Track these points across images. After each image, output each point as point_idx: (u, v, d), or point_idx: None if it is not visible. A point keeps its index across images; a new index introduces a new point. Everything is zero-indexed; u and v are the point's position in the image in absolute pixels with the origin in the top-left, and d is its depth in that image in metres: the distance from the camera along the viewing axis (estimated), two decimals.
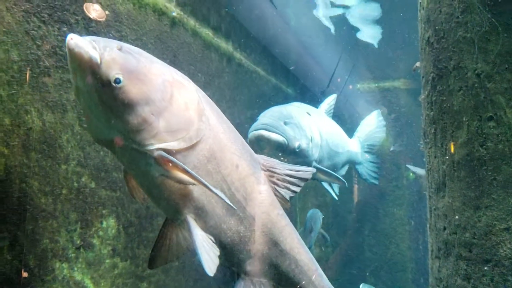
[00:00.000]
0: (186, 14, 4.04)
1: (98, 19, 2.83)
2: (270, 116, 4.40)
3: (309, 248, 2.94)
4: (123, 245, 2.91)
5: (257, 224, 2.44)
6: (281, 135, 4.18)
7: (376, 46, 7.87)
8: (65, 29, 2.49)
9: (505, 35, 2.42)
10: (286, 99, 6.52)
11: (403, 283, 7.43)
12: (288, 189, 2.56)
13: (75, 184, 2.55)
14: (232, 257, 2.44)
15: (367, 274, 7.68)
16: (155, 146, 2.02)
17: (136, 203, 3.02)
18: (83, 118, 2.12)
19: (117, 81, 1.93)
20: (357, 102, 9.00)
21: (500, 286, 2.42)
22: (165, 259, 2.40)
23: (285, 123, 4.37)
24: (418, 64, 3.06)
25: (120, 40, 2.91)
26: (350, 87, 8.78)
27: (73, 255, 2.53)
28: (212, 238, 2.26)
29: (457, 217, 2.60)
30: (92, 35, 2.67)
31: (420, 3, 2.89)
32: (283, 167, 2.56)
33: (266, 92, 6.43)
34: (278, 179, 2.54)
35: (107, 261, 2.78)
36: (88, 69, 1.91)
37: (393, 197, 7.92)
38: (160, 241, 2.37)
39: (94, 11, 2.80)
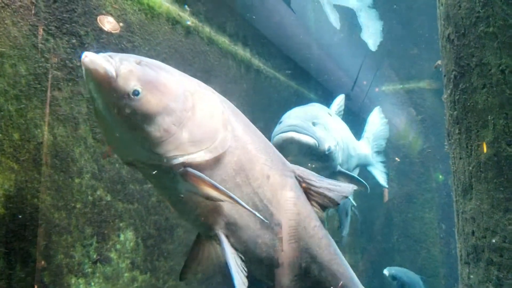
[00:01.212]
0: (201, 22, 4.02)
1: (113, 32, 2.82)
2: (296, 116, 4.10)
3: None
4: (142, 258, 2.87)
5: (293, 237, 2.36)
6: (312, 136, 3.85)
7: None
8: (74, 41, 2.48)
9: None
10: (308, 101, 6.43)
11: None
12: (325, 205, 2.47)
13: (90, 197, 2.53)
14: (268, 272, 2.37)
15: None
16: (180, 158, 1.97)
17: (155, 215, 2.99)
18: (110, 142, 2.11)
19: (136, 93, 1.90)
20: (382, 105, 8.85)
21: None
22: (195, 272, 2.37)
23: (314, 124, 4.05)
24: (439, 62, 2.95)
25: (132, 50, 2.90)
26: (376, 89, 8.66)
27: (89, 270, 2.50)
28: (242, 256, 2.19)
29: (485, 220, 2.48)
30: (103, 46, 2.66)
31: None
32: (320, 180, 2.46)
33: (287, 97, 6.37)
34: (315, 192, 2.45)
35: (126, 274, 2.74)
36: (105, 84, 1.88)
37: (422, 201, 7.73)
38: (192, 255, 2.34)
39: (108, 24, 2.80)
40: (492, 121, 2.44)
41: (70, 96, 2.46)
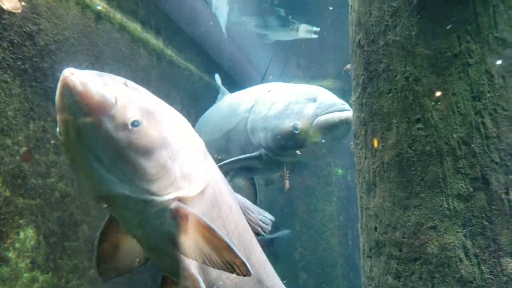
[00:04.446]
0: (113, 8, 3.88)
1: (13, 10, 2.63)
2: (332, 95, 3.95)
3: None
4: (44, 257, 2.73)
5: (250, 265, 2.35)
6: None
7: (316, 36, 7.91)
8: None
9: (431, 39, 2.49)
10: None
11: (333, 278, 7.60)
12: (258, 232, 2.48)
13: None
14: None
15: (299, 269, 7.78)
16: (172, 195, 1.81)
17: (58, 211, 2.84)
18: (86, 175, 1.80)
19: (135, 123, 1.69)
20: None
21: (428, 283, 2.49)
22: None
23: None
24: (348, 66, 3.10)
25: (38, 34, 2.73)
26: None
27: None
28: None
29: (387, 216, 2.66)
30: (5, 28, 2.47)
31: (351, 5, 2.92)
32: (256, 210, 2.46)
33: (198, 89, 6.34)
34: (251, 219, 2.45)
35: (25, 275, 2.59)
36: (99, 112, 1.61)
37: (323, 194, 8.07)
38: None
39: (8, 2, 2.60)
40: (396, 124, 2.61)
41: None
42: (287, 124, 4.02)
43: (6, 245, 2.45)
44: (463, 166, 2.44)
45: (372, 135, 2.76)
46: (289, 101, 4.16)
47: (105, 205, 1.95)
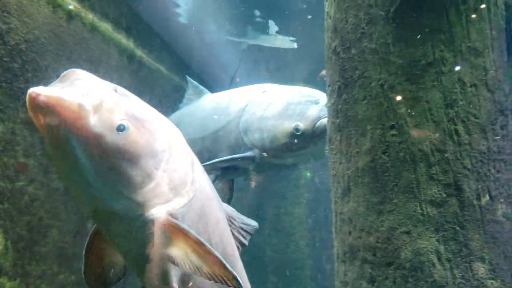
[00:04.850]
0: (84, 8, 3.80)
1: None
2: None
3: None
4: (11, 263, 2.64)
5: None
6: None
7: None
8: None
9: (406, 47, 2.54)
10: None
11: (301, 280, 7.64)
12: (240, 241, 2.43)
13: None
14: None
15: (268, 272, 7.79)
16: (159, 207, 1.74)
17: (28, 215, 2.76)
18: (75, 189, 1.77)
19: (121, 128, 1.63)
20: None
21: (402, 287, 2.53)
22: None
23: None
24: (324, 72, 3.12)
25: (8, 33, 2.65)
26: None
27: None
28: None
29: (361, 221, 2.69)
30: None
31: (327, 12, 2.94)
32: (239, 218, 2.41)
33: (168, 91, 6.29)
34: (234, 229, 2.39)
35: None
36: (79, 118, 1.56)
37: (292, 196, 8.11)
38: None
39: None
40: (370, 131, 2.64)
41: None
42: (287, 125, 3.99)
43: None
44: (436, 172, 2.49)
45: (346, 141, 2.79)
46: (289, 102, 4.13)
47: (92, 218, 1.91)
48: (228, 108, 4.65)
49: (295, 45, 7.71)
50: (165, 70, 6.24)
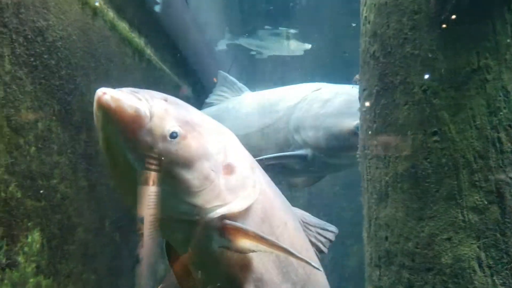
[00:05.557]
0: (106, 5, 3.74)
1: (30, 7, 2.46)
2: None
3: None
4: (47, 261, 2.58)
5: (307, 286, 2.20)
6: None
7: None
8: None
9: (451, 54, 2.55)
10: (186, 100, 6.35)
11: None
12: (318, 248, 2.39)
13: (2, 194, 2.19)
14: None
15: None
16: (219, 209, 1.75)
17: (59, 213, 2.69)
18: (122, 190, 1.83)
19: (174, 135, 1.67)
20: None
21: None
22: None
23: None
24: (358, 76, 3.11)
25: (47, 30, 2.58)
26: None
27: None
28: None
29: (400, 227, 2.69)
30: (21, 23, 2.32)
31: (366, 17, 2.94)
32: (315, 222, 2.38)
33: (169, 91, 6.21)
34: (310, 235, 2.35)
35: (31, 280, 2.44)
36: (136, 126, 1.61)
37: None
38: None
39: None
40: (411, 136, 2.64)
41: None
42: (348, 123, 3.90)
43: (16, 248, 2.29)
44: (478, 179, 2.50)
45: (385, 146, 2.79)
46: (350, 100, 3.97)
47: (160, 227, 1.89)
48: (277, 105, 4.53)
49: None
50: (168, 70, 6.19)
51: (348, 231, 4.07)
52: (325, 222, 2.44)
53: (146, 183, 1.67)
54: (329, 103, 4.17)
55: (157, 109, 1.66)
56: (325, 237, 2.40)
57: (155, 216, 1.79)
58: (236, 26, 7.19)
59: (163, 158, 1.65)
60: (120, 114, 1.57)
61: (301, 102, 4.37)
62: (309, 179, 5.15)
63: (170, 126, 1.66)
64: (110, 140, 1.65)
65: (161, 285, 2.25)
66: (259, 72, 8.98)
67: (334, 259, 7.49)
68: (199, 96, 7.20)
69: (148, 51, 5.27)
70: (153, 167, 1.65)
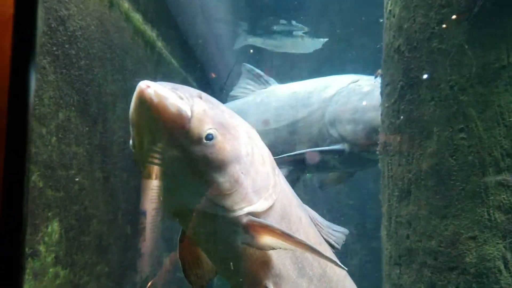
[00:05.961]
0: None
1: None
2: None
3: None
4: (64, 252, 2.55)
5: (323, 280, 2.20)
6: None
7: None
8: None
9: (479, 50, 2.49)
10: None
11: None
12: (330, 244, 2.37)
13: None
14: None
15: None
16: (245, 209, 1.75)
17: (76, 204, 2.65)
18: (165, 191, 1.80)
19: (209, 137, 1.64)
20: None
21: None
22: None
23: None
24: (380, 71, 3.06)
25: (68, 19, 2.53)
26: None
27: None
28: None
29: (422, 225, 2.64)
30: (46, 12, 2.27)
31: (390, 10, 2.88)
32: (326, 224, 2.36)
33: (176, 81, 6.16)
34: (322, 232, 2.34)
35: (51, 270, 2.41)
36: (175, 126, 1.58)
37: None
38: None
39: None
40: (437, 133, 2.59)
41: None
42: None
43: (38, 238, 2.25)
44: (505, 178, 2.46)
45: (408, 142, 2.74)
46: None
47: (177, 220, 1.92)
48: (310, 98, 4.39)
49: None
50: (176, 64, 6.13)
51: (350, 230, 4.03)
52: (331, 223, 2.43)
53: (176, 179, 1.70)
54: (370, 96, 4.03)
55: (196, 109, 1.63)
56: (336, 237, 2.38)
57: (181, 211, 1.83)
58: (250, 24, 7.13)
59: (197, 159, 1.64)
60: (162, 111, 1.54)
61: (337, 95, 4.24)
62: (341, 176, 5.04)
63: (207, 128, 1.63)
64: (147, 136, 1.62)
65: (153, 279, 2.24)
66: (275, 66, 8.93)
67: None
68: (203, 90, 7.14)
69: (160, 44, 5.22)
70: (185, 167, 1.65)
